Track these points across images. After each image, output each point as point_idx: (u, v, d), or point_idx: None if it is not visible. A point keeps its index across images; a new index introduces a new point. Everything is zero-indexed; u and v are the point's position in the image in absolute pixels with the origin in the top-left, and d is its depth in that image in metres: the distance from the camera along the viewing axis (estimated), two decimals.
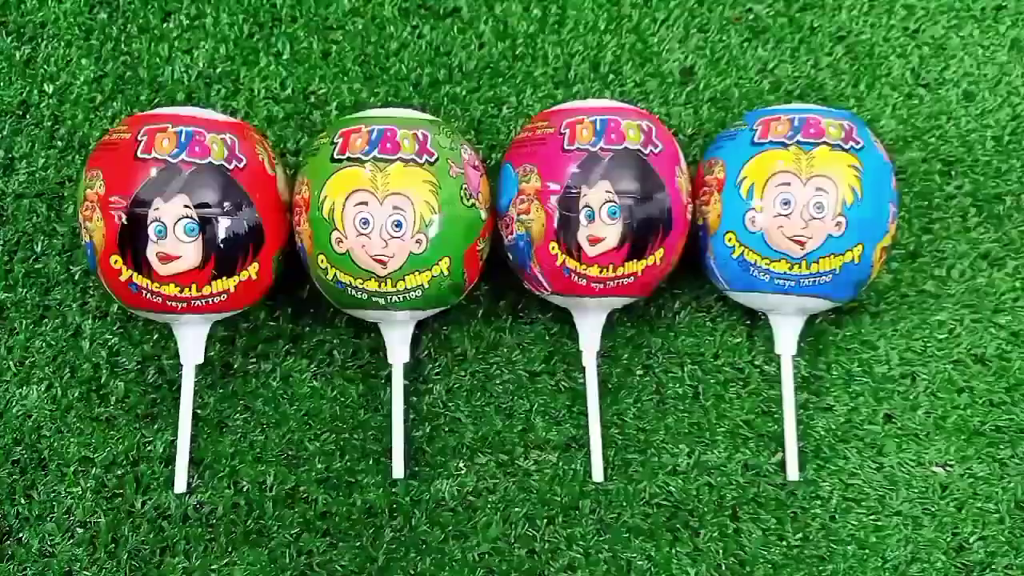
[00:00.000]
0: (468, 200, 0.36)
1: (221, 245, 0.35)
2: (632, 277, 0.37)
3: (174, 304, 0.36)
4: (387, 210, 0.35)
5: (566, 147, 0.36)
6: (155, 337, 0.42)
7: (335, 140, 0.36)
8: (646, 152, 0.37)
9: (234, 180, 0.35)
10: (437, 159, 0.36)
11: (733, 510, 0.41)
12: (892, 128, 0.45)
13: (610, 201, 0.36)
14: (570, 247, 0.36)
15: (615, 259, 0.36)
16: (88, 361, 0.42)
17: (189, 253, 0.35)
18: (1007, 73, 0.46)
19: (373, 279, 0.36)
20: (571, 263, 0.36)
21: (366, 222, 0.35)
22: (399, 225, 0.35)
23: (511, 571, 0.41)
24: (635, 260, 0.37)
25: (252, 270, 0.37)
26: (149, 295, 0.35)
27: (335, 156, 0.36)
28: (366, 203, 0.35)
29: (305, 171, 0.37)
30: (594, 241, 0.36)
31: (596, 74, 0.46)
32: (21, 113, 0.44)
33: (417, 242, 0.35)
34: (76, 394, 0.41)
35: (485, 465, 0.42)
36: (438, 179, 0.35)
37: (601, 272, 0.37)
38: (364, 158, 0.35)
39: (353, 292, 0.36)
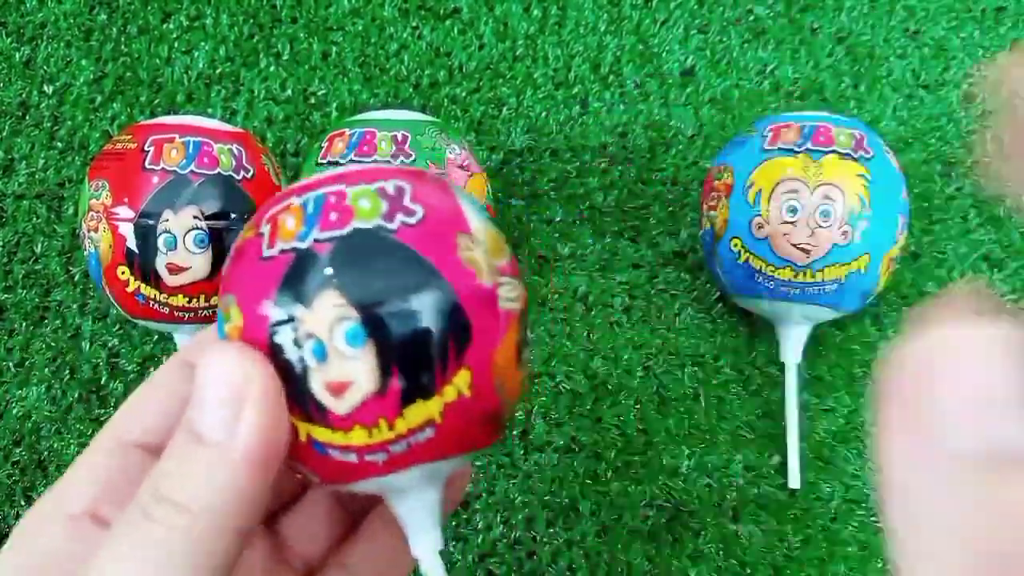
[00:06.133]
0: None
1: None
2: None
3: (180, 315, 0.36)
4: None
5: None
6: (155, 338, 0.42)
7: (322, 144, 0.36)
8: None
9: (243, 191, 0.36)
10: (414, 160, 0.35)
11: (734, 512, 0.41)
12: (892, 129, 0.45)
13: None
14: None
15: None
16: (88, 362, 0.42)
17: (199, 264, 0.35)
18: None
19: None
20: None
21: None
22: None
23: (511, 573, 0.41)
24: None
25: None
26: (156, 305, 0.35)
27: (319, 161, 0.36)
28: None
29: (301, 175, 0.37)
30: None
31: (596, 75, 0.46)
32: (21, 114, 0.44)
33: None
34: (76, 395, 0.41)
35: (485, 467, 0.42)
36: None
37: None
38: (342, 161, 0.35)
39: None
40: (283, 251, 0.18)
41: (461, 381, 0.18)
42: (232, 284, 0.19)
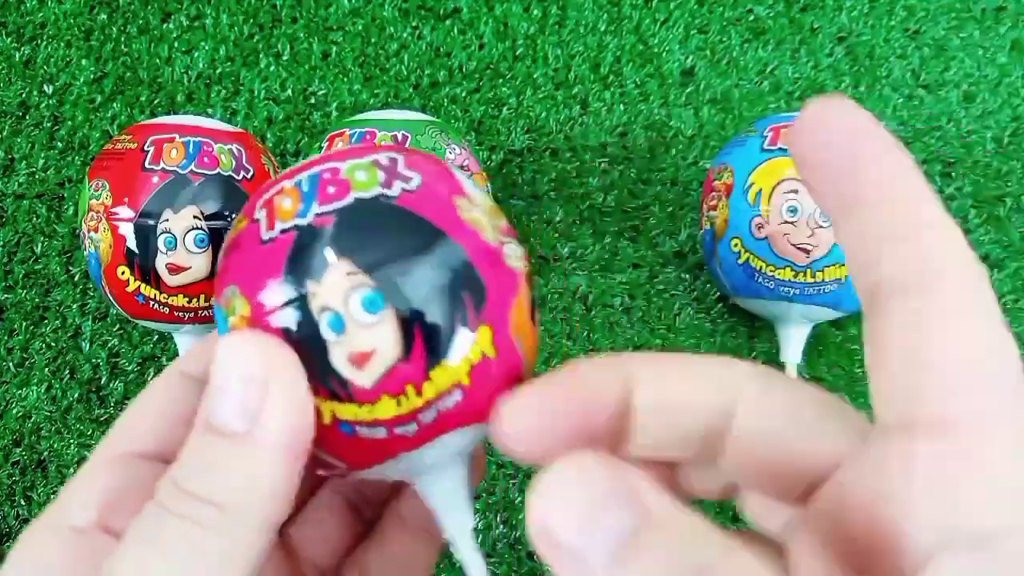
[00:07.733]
0: None
1: None
2: None
3: (181, 315, 0.36)
4: None
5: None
6: (155, 338, 0.42)
7: (322, 144, 0.36)
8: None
9: (243, 191, 0.36)
10: None
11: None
12: (892, 129, 0.45)
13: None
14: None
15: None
16: (88, 362, 0.42)
17: (199, 264, 0.35)
18: (1007, 74, 0.46)
19: None
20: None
21: None
22: None
23: (511, 573, 0.41)
24: None
25: None
26: (156, 305, 0.35)
27: None
28: None
29: None
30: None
31: (596, 75, 0.46)
32: (21, 114, 0.44)
33: None
34: (76, 395, 0.41)
35: (485, 467, 0.42)
36: None
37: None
38: None
39: None
40: (284, 231, 0.17)
41: (483, 339, 0.17)
42: (232, 275, 0.18)
